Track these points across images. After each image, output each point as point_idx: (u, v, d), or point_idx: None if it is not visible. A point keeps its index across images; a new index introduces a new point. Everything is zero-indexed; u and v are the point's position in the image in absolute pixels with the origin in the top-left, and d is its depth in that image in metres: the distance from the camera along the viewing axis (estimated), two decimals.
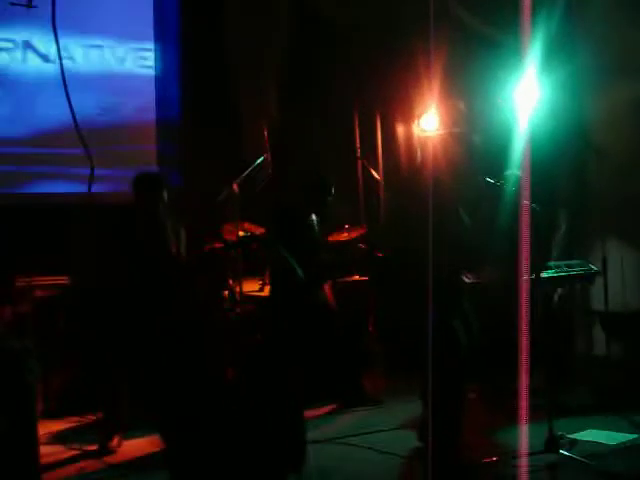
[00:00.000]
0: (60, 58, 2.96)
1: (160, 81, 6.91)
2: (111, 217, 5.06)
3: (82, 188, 4.53)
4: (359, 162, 7.77)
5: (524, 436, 4.59)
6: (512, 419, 5.13)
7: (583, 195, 7.28)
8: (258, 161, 6.28)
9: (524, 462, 4.20)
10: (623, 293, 6.84)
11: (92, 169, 2.83)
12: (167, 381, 4.84)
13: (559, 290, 6.27)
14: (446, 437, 4.15)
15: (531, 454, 4.28)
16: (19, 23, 6.27)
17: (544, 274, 5.37)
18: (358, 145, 7.75)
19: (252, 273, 6.46)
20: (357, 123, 7.75)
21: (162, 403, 4.58)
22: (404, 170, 7.56)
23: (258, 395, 4.16)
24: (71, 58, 6.51)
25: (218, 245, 5.87)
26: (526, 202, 4.57)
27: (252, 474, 3.73)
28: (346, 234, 6.72)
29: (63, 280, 5.63)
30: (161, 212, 5.05)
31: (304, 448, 3.99)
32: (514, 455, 4.31)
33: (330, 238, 6.57)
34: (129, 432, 5.02)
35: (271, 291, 6.01)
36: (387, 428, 5.16)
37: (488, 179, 4.71)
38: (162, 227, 5.05)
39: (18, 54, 6.44)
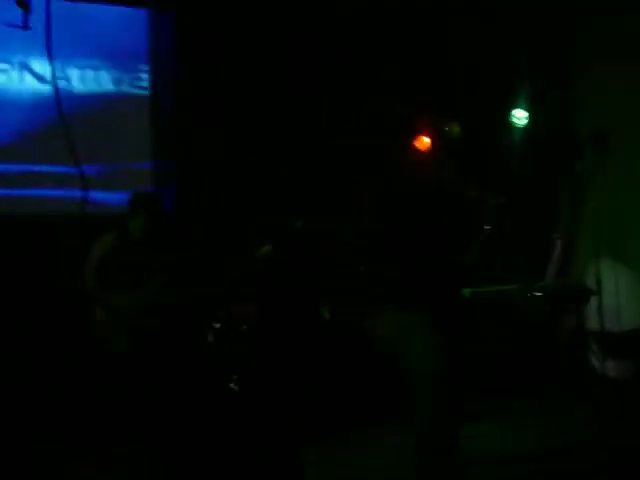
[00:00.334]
0: (54, 79, 2.94)
1: (155, 101, 6.92)
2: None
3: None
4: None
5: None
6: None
7: (578, 215, 7.32)
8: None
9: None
10: (618, 313, 6.86)
11: (86, 189, 2.79)
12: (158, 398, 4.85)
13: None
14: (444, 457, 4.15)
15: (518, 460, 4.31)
16: (16, 44, 6.29)
17: (539, 293, 5.41)
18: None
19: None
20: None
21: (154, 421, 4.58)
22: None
23: (252, 418, 4.14)
24: (67, 79, 6.53)
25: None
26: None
27: None
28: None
29: None
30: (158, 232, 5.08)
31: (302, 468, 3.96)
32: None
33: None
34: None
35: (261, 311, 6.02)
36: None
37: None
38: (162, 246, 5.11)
39: (15, 75, 6.46)
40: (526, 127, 7.14)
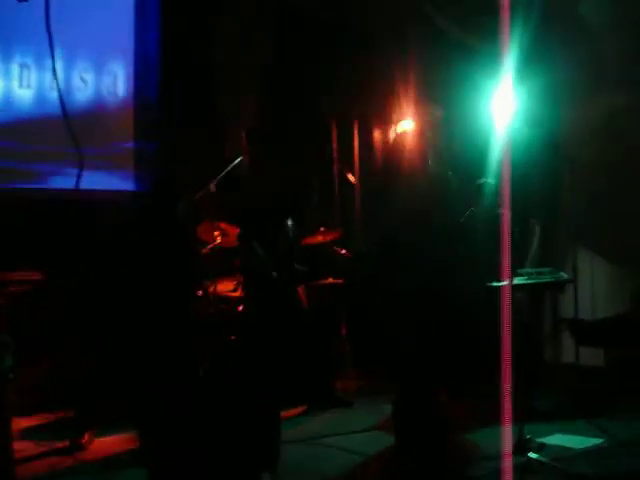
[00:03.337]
0: (56, 79, 2.90)
1: (139, 84, 6.87)
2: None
3: None
4: (335, 165, 7.83)
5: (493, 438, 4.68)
6: (481, 422, 5.26)
7: (556, 204, 7.38)
8: (235, 162, 6.30)
9: (493, 464, 4.25)
10: (593, 301, 6.94)
11: (81, 162, 2.72)
12: (144, 377, 4.87)
13: None
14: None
15: (500, 457, 4.34)
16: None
17: (515, 280, 5.44)
18: (335, 148, 7.80)
19: (227, 273, 6.47)
20: (334, 127, 7.80)
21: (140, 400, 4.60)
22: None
23: (232, 394, 4.17)
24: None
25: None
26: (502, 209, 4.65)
27: (225, 472, 3.73)
28: (321, 237, 6.75)
29: (37, 276, 5.61)
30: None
31: (278, 448, 3.99)
32: (484, 457, 4.38)
33: (305, 241, 6.60)
34: (101, 430, 5.03)
35: (244, 292, 6.05)
36: (360, 429, 5.19)
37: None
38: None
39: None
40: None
